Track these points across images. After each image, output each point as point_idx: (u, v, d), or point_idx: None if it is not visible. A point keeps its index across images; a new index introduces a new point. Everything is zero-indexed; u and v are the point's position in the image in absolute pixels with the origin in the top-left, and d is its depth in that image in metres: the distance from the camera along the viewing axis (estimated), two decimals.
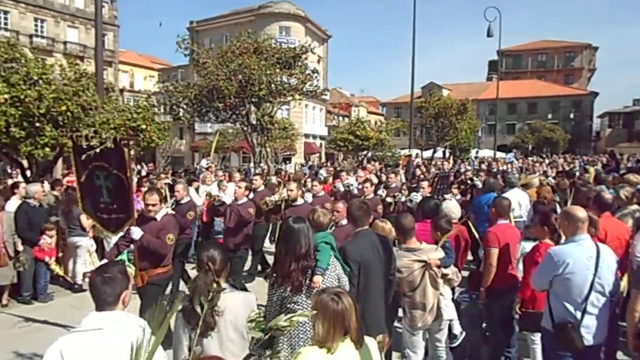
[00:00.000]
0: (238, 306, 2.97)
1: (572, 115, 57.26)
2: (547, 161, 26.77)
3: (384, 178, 12.63)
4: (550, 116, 57.64)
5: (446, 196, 9.10)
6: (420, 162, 19.62)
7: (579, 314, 3.64)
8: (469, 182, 11.26)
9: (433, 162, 25.79)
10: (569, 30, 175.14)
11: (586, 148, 53.73)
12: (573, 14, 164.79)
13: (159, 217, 5.53)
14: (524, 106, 60.92)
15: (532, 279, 4.08)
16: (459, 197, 9.77)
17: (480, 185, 10.21)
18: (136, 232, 5.22)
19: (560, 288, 3.70)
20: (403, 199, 9.17)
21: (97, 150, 5.32)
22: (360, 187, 9.43)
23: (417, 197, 8.20)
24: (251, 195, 8.44)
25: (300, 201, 7.39)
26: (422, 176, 14.26)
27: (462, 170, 17.63)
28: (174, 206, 7.52)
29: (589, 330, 3.65)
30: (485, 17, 24.50)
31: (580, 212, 3.81)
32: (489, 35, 24.90)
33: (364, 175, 11.66)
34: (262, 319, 2.74)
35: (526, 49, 70.39)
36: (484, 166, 19.71)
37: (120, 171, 5.30)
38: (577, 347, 3.61)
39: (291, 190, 7.32)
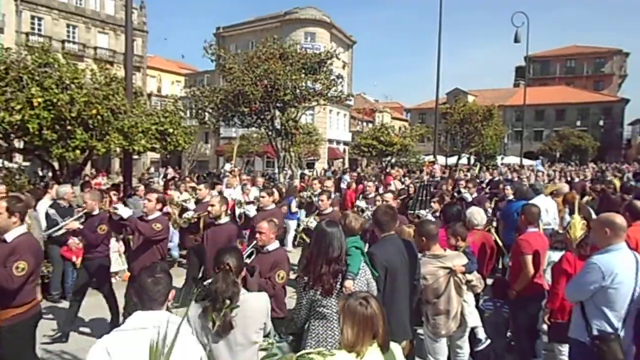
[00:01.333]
0: (246, 310, 2.97)
1: (601, 123, 56.03)
2: (574, 169, 26.22)
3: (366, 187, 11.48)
4: (579, 123, 56.48)
5: (422, 212, 7.52)
6: (437, 169, 18.76)
7: (620, 325, 3.51)
8: (456, 194, 9.69)
9: (456, 169, 25.49)
10: (599, 35, 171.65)
11: (616, 156, 52.44)
12: (603, 19, 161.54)
13: (10, 237, 4.02)
14: (551, 113, 59.86)
15: (568, 290, 3.89)
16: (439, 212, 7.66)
17: (469, 198, 9.21)
18: None
19: (603, 298, 3.54)
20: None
21: None
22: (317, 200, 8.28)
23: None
24: (192, 208, 7.32)
25: (224, 219, 5.77)
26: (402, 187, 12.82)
27: (459, 177, 14.89)
28: (83, 219, 6.34)
29: (623, 341, 3.53)
30: (513, 22, 24.17)
31: (622, 220, 3.69)
32: (516, 41, 24.54)
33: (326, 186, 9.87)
34: (273, 347, 2.68)
35: (554, 54, 69.21)
36: (482, 173, 17.15)
37: None
38: None
39: (212, 206, 5.71)
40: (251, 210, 7.11)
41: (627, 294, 3.51)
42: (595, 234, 3.83)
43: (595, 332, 3.57)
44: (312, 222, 6.33)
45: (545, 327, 4.85)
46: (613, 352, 3.46)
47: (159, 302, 2.51)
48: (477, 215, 5.88)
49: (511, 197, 9.38)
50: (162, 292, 2.52)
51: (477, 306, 5.08)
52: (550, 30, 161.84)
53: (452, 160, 35.53)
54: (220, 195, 6.32)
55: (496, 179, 15.65)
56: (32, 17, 38.00)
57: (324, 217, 6.41)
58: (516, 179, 15.42)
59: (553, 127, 57.07)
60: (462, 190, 9.72)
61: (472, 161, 36.05)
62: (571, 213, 7.74)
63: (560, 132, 51.48)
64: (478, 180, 14.60)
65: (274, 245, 4.51)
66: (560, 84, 65.20)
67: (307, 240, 6.76)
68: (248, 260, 4.35)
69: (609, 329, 3.52)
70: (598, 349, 3.52)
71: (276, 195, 8.32)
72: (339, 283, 3.49)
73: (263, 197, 7.36)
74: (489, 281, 5.75)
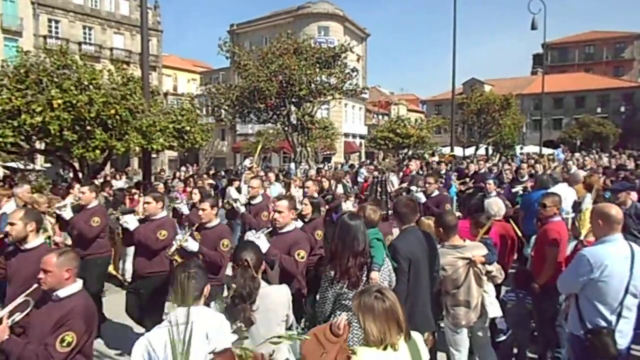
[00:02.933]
0: (268, 303, 3.00)
1: (622, 109, 54.90)
2: (593, 157, 25.68)
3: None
4: (599, 110, 55.42)
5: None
6: (436, 161, 17.79)
7: (613, 318, 3.46)
8: (404, 194, 7.78)
9: (472, 160, 25.21)
10: (618, 19, 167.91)
11: (639, 143, 51.38)
12: (623, 3, 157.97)
13: None
14: (571, 100, 58.83)
15: (560, 281, 3.87)
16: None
17: (422, 199, 7.43)
18: None
19: (594, 291, 3.50)
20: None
21: None
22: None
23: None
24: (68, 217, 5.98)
25: (33, 242, 4.10)
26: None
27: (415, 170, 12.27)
28: None
29: (622, 334, 3.48)
30: (530, 9, 23.79)
31: (617, 211, 3.62)
32: (533, 28, 24.16)
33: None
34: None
35: (573, 40, 67.97)
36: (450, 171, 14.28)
37: None
38: (612, 354, 3.42)
39: (12, 225, 4.05)
40: (130, 222, 5.37)
41: (619, 286, 3.45)
42: (592, 225, 3.81)
43: (589, 326, 3.52)
44: (187, 240, 4.79)
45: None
46: (605, 346, 3.42)
47: (198, 297, 2.56)
48: (495, 205, 5.82)
49: (494, 193, 8.55)
50: (196, 287, 2.57)
51: (499, 297, 5.03)
52: (568, 16, 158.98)
53: (469, 151, 35.23)
54: (26, 209, 4.51)
55: (481, 171, 13.69)
56: (49, 20, 38.52)
57: (207, 231, 5.09)
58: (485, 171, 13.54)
59: (572, 114, 56.11)
60: (413, 188, 7.70)
61: (490, 151, 35.70)
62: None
63: (580, 119, 50.64)
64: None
65: (69, 290, 3.11)
66: (579, 71, 64.03)
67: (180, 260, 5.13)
68: (17, 317, 3.07)
69: (603, 323, 3.48)
70: (590, 343, 3.49)
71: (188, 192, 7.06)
72: (364, 275, 3.51)
73: (148, 202, 5.61)
74: (510, 271, 5.70)
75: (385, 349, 2.39)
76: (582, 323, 3.57)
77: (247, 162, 15.88)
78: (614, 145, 44.14)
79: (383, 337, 2.40)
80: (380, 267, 3.61)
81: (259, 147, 14.99)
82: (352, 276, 3.44)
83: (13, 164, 17.71)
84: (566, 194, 7.98)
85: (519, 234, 6.62)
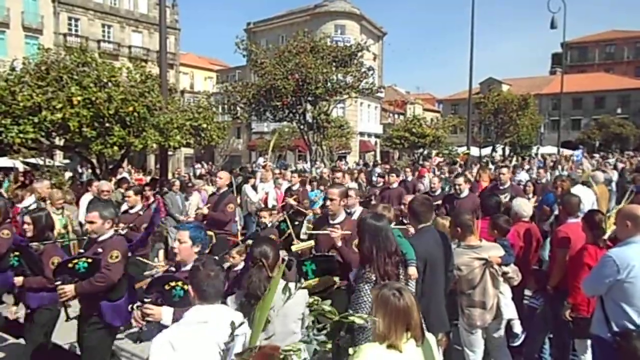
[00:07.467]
0: (288, 304, 2.97)
1: None
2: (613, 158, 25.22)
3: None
4: (619, 110, 54.48)
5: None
6: (434, 161, 17.04)
7: None
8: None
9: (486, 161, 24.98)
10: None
11: None
12: None
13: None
14: (590, 100, 57.93)
15: (584, 284, 3.80)
16: None
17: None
18: None
19: (621, 293, 3.45)
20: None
21: None
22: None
23: None
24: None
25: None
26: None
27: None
28: None
29: None
30: (549, 8, 23.48)
31: None
32: (552, 27, 23.85)
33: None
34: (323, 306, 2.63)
35: (593, 40, 66.94)
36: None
37: None
38: None
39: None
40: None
41: None
42: (617, 227, 3.74)
43: (615, 328, 3.46)
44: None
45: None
46: (635, 350, 3.34)
47: (217, 295, 2.58)
48: (525, 206, 5.72)
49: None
50: (219, 285, 2.60)
51: (522, 300, 4.95)
52: (588, 15, 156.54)
53: (485, 151, 34.94)
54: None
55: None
56: (69, 18, 39.04)
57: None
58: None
59: (592, 115, 55.23)
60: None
61: (507, 152, 35.38)
62: None
63: (600, 120, 49.87)
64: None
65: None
66: (599, 71, 63.01)
67: None
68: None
69: (630, 325, 3.41)
70: (618, 345, 3.43)
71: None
72: (401, 274, 3.52)
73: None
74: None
75: (389, 347, 2.38)
76: (609, 326, 3.52)
77: (261, 161, 15.97)
78: (635, 147, 43.41)
79: (387, 333, 2.39)
80: (416, 263, 3.59)
81: (272, 143, 15.06)
82: (392, 276, 3.43)
83: (33, 160, 18.02)
84: (584, 195, 7.87)
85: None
